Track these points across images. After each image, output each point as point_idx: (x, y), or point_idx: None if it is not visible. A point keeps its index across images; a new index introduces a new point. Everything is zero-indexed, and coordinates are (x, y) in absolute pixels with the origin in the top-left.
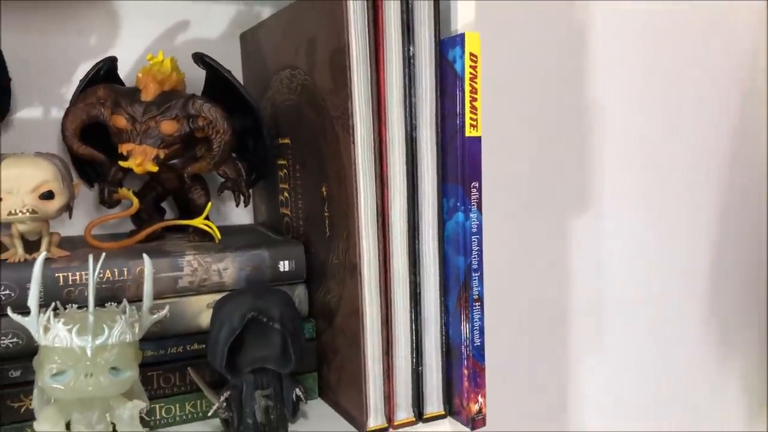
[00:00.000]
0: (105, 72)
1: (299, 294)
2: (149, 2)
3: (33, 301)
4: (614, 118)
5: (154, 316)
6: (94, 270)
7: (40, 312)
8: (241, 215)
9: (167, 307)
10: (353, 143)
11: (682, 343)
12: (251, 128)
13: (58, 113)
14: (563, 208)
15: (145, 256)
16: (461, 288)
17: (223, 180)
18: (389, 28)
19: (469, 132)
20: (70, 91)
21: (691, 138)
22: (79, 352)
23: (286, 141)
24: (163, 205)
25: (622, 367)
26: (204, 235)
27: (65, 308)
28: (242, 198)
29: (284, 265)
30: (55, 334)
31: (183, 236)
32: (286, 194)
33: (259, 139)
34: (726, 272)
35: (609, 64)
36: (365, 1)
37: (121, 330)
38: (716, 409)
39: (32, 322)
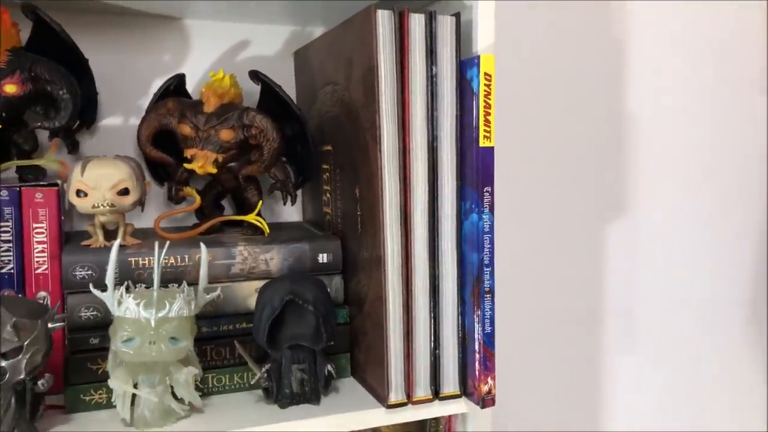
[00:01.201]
0: (174, 87)
1: (336, 283)
2: (214, 23)
3: (110, 279)
4: (651, 124)
5: (208, 296)
6: (159, 256)
7: (115, 289)
8: (291, 213)
9: (219, 289)
10: (380, 151)
11: (720, 346)
12: (299, 136)
13: (136, 122)
14: (602, 212)
15: (201, 244)
16: (475, 281)
17: (273, 181)
18: (414, 51)
19: (482, 143)
20: (146, 102)
21: (731, 143)
22: (144, 322)
23: (329, 148)
24: (223, 202)
25: (656, 368)
26: (256, 230)
27: (135, 287)
28: (289, 197)
29: (323, 257)
30: (126, 306)
31: (238, 230)
32: (328, 195)
33: (305, 146)
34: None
35: (645, 73)
36: (393, 26)
37: (179, 305)
38: (754, 412)
39: (108, 297)
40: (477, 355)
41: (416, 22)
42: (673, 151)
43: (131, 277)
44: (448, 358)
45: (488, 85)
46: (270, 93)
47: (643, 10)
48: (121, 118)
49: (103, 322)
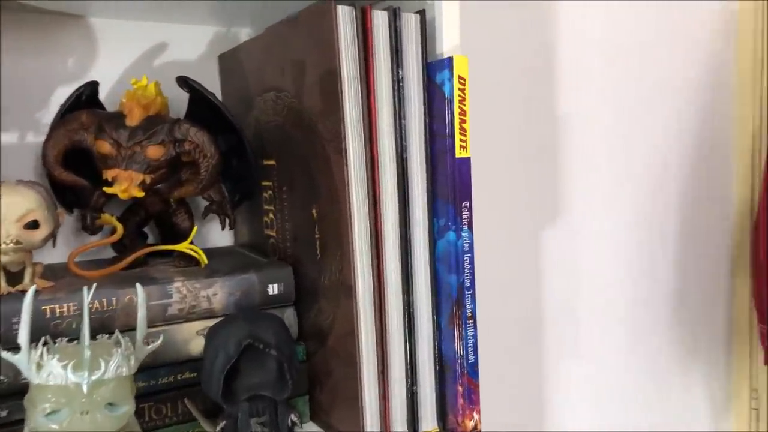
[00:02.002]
0: (87, 97)
1: (288, 317)
2: (125, 22)
3: (23, 337)
4: (582, 130)
5: (149, 347)
6: (87, 299)
7: (30, 348)
8: (220, 237)
9: (162, 336)
10: (346, 165)
11: (652, 345)
12: (235, 149)
13: (33, 138)
14: (536, 219)
15: (137, 285)
16: (454, 305)
17: (207, 203)
18: (378, 52)
19: (458, 153)
20: (46, 115)
21: (657, 147)
22: (74, 389)
23: (272, 162)
24: (146, 229)
25: (597, 371)
26: (190, 260)
27: (54, 342)
28: (227, 221)
29: (273, 289)
30: (49, 371)
31: (166, 261)
32: (271, 216)
33: (242, 161)
34: (691, 276)
35: (575, 78)
36: (354, 24)
37: (117, 363)
38: (684, 409)
39: (23, 360)
40: (459, 388)
41: (380, 20)
42: (603, 158)
43: (47, 331)
44: (426, 393)
45: (462, 90)
46: (200, 102)
47: (571, 10)
48: (15, 135)
49: (13, 390)
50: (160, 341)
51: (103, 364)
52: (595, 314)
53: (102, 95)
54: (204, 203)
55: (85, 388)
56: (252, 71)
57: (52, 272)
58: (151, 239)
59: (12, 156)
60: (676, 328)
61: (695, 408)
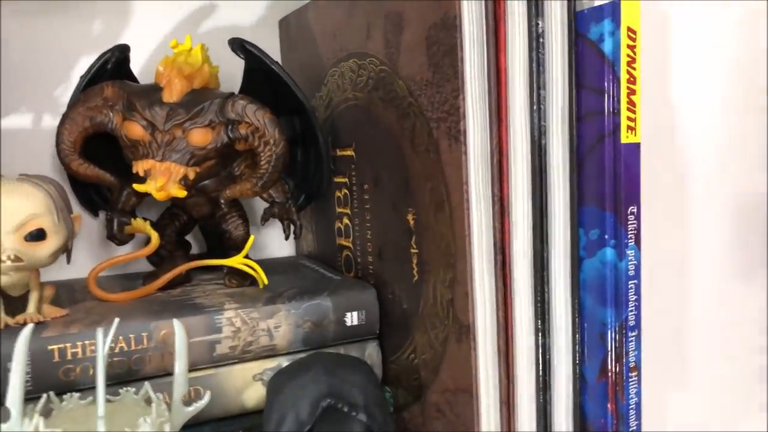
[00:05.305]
0: (114, 65)
1: (371, 355)
2: None
3: (14, 396)
4: (698, 118)
5: (191, 408)
6: (103, 346)
7: (25, 412)
8: (278, 246)
9: (208, 394)
10: (465, 154)
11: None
12: (300, 136)
13: (52, 121)
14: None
15: (175, 321)
16: (609, 352)
17: (267, 205)
18: None
19: (625, 137)
20: (67, 93)
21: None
22: None
23: (349, 153)
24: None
25: (706, 404)
26: (244, 278)
27: (61, 400)
28: (292, 228)
29: (352, 318)
30: None
31: (213, 277)
32: (346, 220)
33: (310, 151)
34: None
35: (690, 63)
36: None
37: None
38: None
39: (13, 428)
40: None
41: None
42: (722, 149)
43: (54, 380)
44: None
45: (633, 48)
46: (257, 75)
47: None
48: (28, 117)
49: None
50: (206, 400)
51: None
52: (704, 336)
53: (138, 69)
54: (262, 205)
55: None
56: (324, 37)
57: (67, 292)
58: (194, 248)
59: (23, 145)
60: None
61: None
